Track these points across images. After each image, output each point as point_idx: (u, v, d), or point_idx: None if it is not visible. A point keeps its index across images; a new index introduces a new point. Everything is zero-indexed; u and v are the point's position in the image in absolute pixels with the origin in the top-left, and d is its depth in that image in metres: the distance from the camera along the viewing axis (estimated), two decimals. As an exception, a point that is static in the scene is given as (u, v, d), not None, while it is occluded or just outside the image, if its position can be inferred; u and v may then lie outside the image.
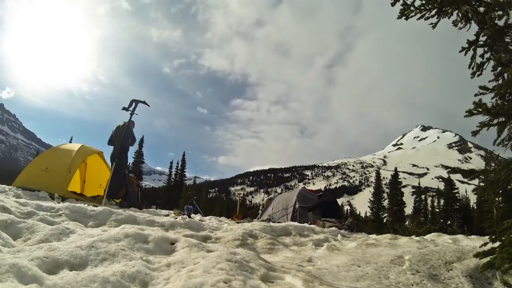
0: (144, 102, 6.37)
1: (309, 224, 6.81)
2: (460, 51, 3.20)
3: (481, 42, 3.10)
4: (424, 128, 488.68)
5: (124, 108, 6.23)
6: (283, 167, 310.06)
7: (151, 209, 7.32)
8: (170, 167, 35.68)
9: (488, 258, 2.41)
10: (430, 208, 33.02)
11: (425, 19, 3.52)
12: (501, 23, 2.93)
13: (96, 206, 4.24)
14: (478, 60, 3.15)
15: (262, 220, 8.96)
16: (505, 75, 2.76)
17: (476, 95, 2.58)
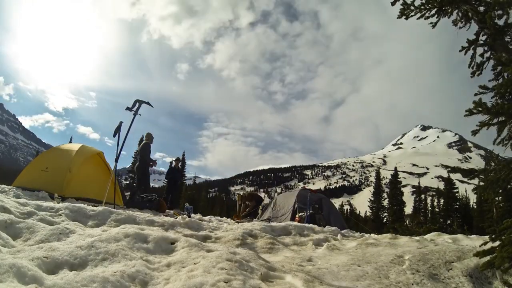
0: (147, 103, 6.40)
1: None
2: (460, 51, 3.20)
3: (481, 42, 3.10)
4: (424, 128, 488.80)
5: (127, 108, 6.26)
6: (283, 166, 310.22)
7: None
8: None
9: (488, 258, 2.41)
10: (430, 208, 33.03)
11: (425, 19, 3.51)
12: (501, 22, 2.93)
13: (96, 206, 4.24)
14: (478, 59, 3.15)
15: (262, 220, 8.97)
16: (505, 74, 2.76)
17: (476, 94, 2.58)
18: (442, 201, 29.92)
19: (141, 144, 8.07)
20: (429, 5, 3.40)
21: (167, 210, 7.46)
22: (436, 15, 3.46)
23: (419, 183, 41.26)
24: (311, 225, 6.02)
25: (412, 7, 3.48)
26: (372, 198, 31.23)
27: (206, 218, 6.86)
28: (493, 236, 2.45)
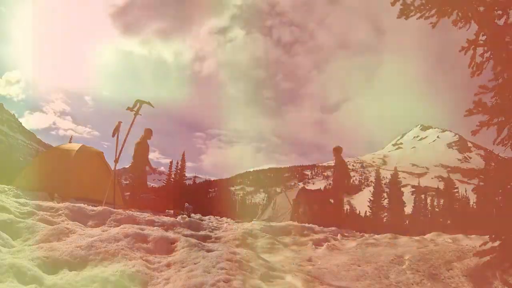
0: (148, 103, 6.37)
1: None
2: (460, 51, 3.19)
3: (481, 42, 3.09)
4: (424, 128, 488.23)
5: (128, 108, 6.24)
6: (282, 166, 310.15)
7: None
8: (170, 167, 35.71)
9: (488, 258, 2.41)
10: (430, 208, 33.03)
11: (424, 19, 3.51)
12: (501, 22, 2.93)
13: (96, 206, 4.25)
14: (478, 59, 3.15)
15: (262, 220, 8.97)
16: (505, 74, 2.76)
17: (476, 94, 2.58)
18: (442, 201, 29.92)
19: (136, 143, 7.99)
20: (429, 5, 3.40)
21: (167, 210, 7.47)
22: (436, 15, 3.46)
23: (419, 183, 41.32)
24: (311, 225, 6.01)
25: (412, 7, 3.48)
26: (372, 198, 31.21)
27: (206, 218, 6.86)
28: (493, 236, 2.45)
